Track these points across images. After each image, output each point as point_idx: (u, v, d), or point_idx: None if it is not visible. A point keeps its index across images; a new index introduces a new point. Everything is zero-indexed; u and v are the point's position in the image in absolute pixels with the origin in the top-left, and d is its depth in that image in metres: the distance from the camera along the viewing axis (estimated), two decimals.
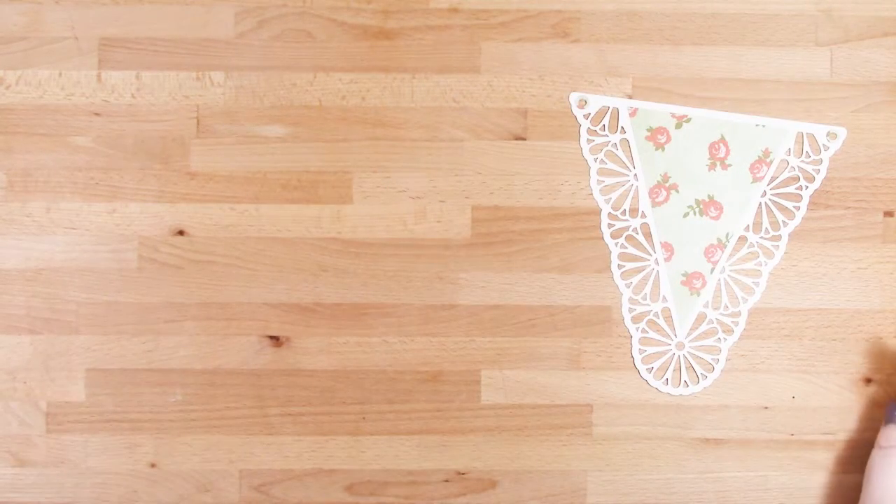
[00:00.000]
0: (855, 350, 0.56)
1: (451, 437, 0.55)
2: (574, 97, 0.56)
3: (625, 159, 0.56)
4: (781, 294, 0.56)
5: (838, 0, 0.57)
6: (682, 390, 0.56)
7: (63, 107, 0.56)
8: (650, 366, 0.56)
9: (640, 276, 0.56)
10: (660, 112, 0.56)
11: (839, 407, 0.56)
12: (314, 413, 0.55)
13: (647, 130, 0.56)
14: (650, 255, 0.56)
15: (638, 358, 0.56)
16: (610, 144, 0.56)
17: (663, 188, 0.56)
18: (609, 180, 0.56)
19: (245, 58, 0.56)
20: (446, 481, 0.55)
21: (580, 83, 0.57)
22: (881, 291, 0.56)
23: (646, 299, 0.56)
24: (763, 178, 0.56)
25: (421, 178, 0.56)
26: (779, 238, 0.56)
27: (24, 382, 0.55)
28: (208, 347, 0.55)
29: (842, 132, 0.56)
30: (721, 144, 0.56)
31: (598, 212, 0.56)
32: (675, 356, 0.56)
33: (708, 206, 0.56)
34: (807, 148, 0.56)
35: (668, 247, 0.56)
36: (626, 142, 0.57)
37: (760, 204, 0.56)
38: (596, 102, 0.56)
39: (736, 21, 0.57)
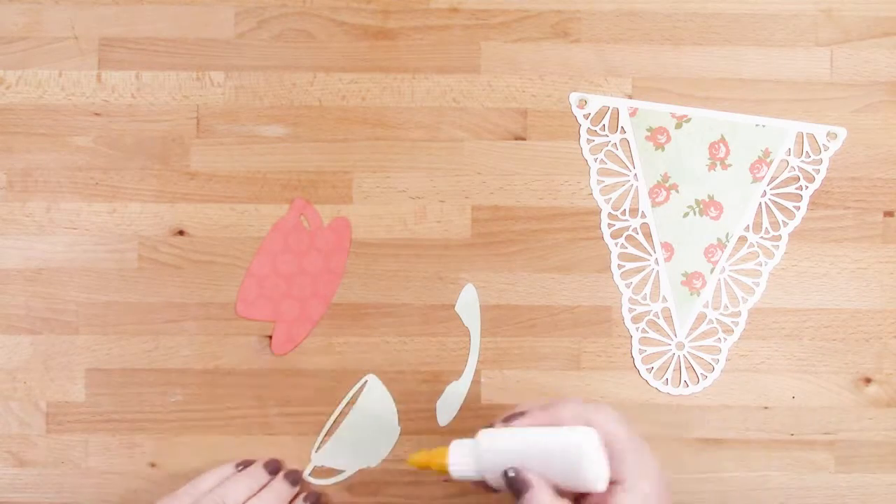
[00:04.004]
0: (855, 350, 0.56)
1: (451, 437, 0.55)
2: (574, 97, 0.56)
3: (625, 159, 0.57)
4: (781, 294, 0.56)
5: (838, 0, 0.57)
6: (682, 390, 0.56)
7: (63, 107, 0.56)
8: (650, 366, 0.56)
9: (640, 276, 0.56)
10: (660, 112, 0.56)
11: (839, 407, 0.56)
12: (314, 413, 0.55)
13: (647, 130, 0.56)
14: (650, 255, 0.56)
15: (638, 358, 0.56)
16: (610, 144, 0.56)
17: (663, 188, 0.56)
18: (609, 180, 0.56)
19: (245, 58, 0.56)
20: (446, 481, 0.55)
21: (580, 83, 0.57)
22: (881, 291, 0.56)
23: (646, 299, 0.56)
24: (763, 178, 0.56)
25: (421, 178, 0.56)
26: (779, 238, 0.56)
27: (24, 382, 0.55)
28: (208, 347, 0.55)
29: (842, 132, 0.56)
30: (721, 144, 0.56)
31: (598, 212, 0.56)
32: (675, 356, 0.56)
33: (708, 206, 0.56)
34: (807, 148, 0.56)
35: (668, 247, 0.56)
36: (626, 142, 0.57)
37: (760, 204, 0.56)
38: (596, 102, 0.56)
39: (736, 21, 0.57)
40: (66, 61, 0.56)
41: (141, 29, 0.56)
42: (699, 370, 0.56)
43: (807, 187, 0.56)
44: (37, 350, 0.55)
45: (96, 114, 0.56)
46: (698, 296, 0.56)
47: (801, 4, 0.57)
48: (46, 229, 0.56)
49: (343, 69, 0.56)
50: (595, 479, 0.41)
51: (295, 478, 0.53)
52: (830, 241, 0.56)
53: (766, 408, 0.56)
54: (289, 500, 0.52)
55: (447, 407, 0.55)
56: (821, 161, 0.56)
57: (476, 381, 0.55)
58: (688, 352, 0.56)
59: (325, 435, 0.55)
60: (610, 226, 0.56)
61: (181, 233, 0.56)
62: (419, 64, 0.56)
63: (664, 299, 0.56)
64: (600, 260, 0.56)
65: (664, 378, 0.56)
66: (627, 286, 0.56)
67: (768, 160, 0.56)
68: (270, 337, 0.55)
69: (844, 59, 0.57)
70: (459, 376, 0.55)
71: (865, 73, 0.57)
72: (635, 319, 0.56)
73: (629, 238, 0.56)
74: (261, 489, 0.52)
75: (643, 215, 0.56)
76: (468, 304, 0.55)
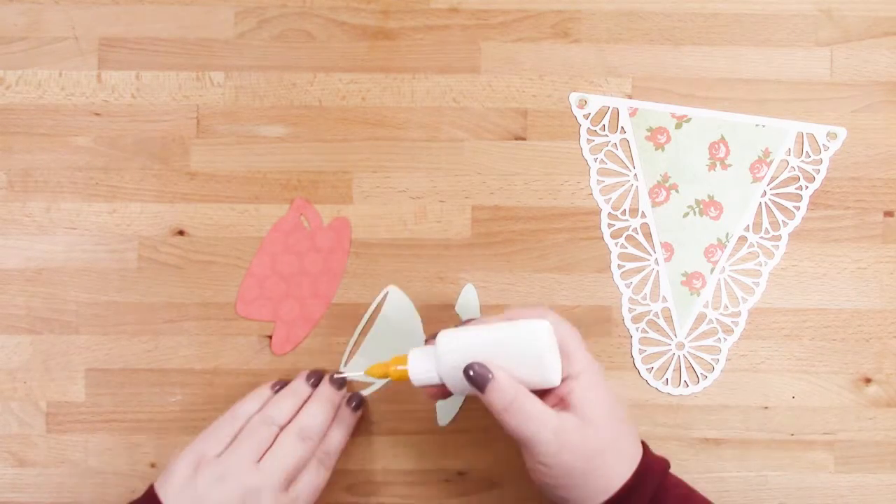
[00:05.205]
0: (855, 350, 0.56)
1: (450, 437, 0.55)
2: (574, 97, 0.56)
3: (625, 159, 0.57)
4: (781, 294, 0.56)
5: (838, 0, 0.57)
6: (682, 390, 0.56)
7: (63, 107, 0.56)
8: (650, 366, 0.56)
9: (640, 276, 0.56)
10: (660, 112, 0.56)
11: (839, 407, 0.56)
12: None
13: (647, 130, 0.56)
14: (650, 255, 0.56)
15: (638, 358, 0.56)
16: (610, 144, 0.56)
17: (663, 188, 0.56)
18: (609, 180, 0.56)
19: (245, 58, 0.56)
20: (446, 481, 0.55)
21: (580, 83, 0.57)
22: (881, 291, 0.56)
23: (646, 299, 0.56)
24: (763, 178, 0.56)
25: (421, 178, 0.56)
26: (779, 238, 0.56)
27: (24, 382, 0.55)
28: (208, 347, 0.55)
29: (842, 132, 0.56)
30: (721, 144, 0.56)
31: (598, 212, 0.56)
32: (675, 356, 0.56)
33: (708, 206, 0.56)
34: (807, 148, 0.56)
35: (668, 247, 0.56)
36: (626, 142, 0.57)
37: (760, 204, 0.56)
38: (596, 102, 0.56)
39: (736, 21, 0.57)
40: (66, 61, 0.56)
41: (141, 29, 0.56)
42: (699, 370, 0.56)
43: (807, 187, 0.56)
44: (37, 350, 0.55)
45: (96, 114, 0.56)
46: (698, 296, 0.56)
47: (801, 4, 0.57)
48: (46, 229, 0.56)
49: (343, 69, 0.56)
50: (552, 369, 0.43)
51: (341, 382, 0.51)
52: (830, 241, 0.56)
53: (766, 408, 0.56)
54: (337, 404, 0.51)
55: (447, 407, 0.55)
56: (821, 161, 0.56)
57: None
58: (688, 352, 0.56)
59: (351, 351, 0.55)
60: (610, 226, 0.56)
61: (181, 233, 0.56)
62: (419, 64, 0.56)
63: (664, 299, 0.56)
64: (600, 260, 0.56)
65: (664, 378, 0.56)
66: (627, 286, 0.56)
67: (768, 160, 0.56)
68: (270, 337, 0.55)
69: (844, 59, 0.57)
70: None
71: (865, 73, 0.57)
72: (635, 319, 0.56)
73: (629, 238, 0.56)
74: (304, 402, 0.50)
75: (643, 215, 0.56)
76: (468, 304, 0.55)
